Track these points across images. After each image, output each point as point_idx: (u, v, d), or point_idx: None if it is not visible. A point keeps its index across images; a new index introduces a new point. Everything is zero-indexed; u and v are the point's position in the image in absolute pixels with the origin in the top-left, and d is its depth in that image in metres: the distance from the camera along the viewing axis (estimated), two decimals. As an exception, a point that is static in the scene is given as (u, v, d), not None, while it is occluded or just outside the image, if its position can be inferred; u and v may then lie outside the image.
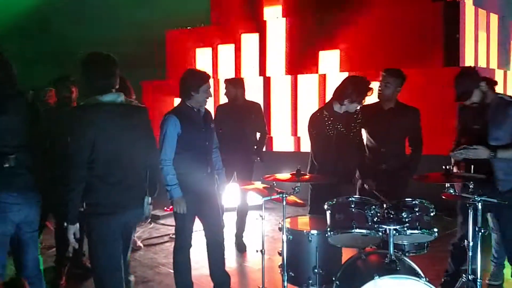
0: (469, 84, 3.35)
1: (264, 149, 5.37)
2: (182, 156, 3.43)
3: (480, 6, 7.21)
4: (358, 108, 3.79)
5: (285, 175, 3.26)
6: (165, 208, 6.20)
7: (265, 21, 8.07)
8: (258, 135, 5.19)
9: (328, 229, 2.99)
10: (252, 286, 4.09)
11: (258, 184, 3.42)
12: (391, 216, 2.88)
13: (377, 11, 7.10)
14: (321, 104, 4.52)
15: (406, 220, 2.83)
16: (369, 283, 2.61)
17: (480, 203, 2.89)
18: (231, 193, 5.50)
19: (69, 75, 4.22)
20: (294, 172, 3.14)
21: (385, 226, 2.82)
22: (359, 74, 4.23)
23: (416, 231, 2.87)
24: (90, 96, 2.79)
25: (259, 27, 7.97)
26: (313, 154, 3.83)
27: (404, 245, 3.06)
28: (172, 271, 3.78)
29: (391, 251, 2.78)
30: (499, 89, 4.29)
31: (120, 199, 2.80)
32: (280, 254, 3.34)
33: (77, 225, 2.76)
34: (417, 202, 2.93)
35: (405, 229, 2.83)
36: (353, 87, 3.63)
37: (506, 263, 4.05)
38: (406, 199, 2.96)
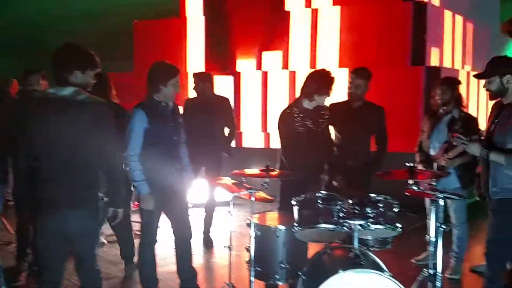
0: (496, 68, 3.10)
1: (233, 145, 5.37)
2: (149, 152, 3.35)
3: (447, 7, 7.40)
4: (327, 105, 3.85)
5: (254, 171, 3.26)
6: (131, 204, 6.10)
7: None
8: (227, 130, 5.18)
9: (295, 224, 3.01)
10: (219, 281, 4.08)
11: (227, 180, 3.40)
12: (356, 211, 2.93)
13: (348, 9, 7.18)
14: (291, 101, 4.55)
15: (371, 215, 2.88)
16: (334, 277, 2.65)
17: (442, 200, 2.98)
18: (199, 189, 5.47)
19: (40, 69, 4.24)
20: (264, 168, 3.14)
21: (350, 221, 2.87)
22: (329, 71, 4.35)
23: (380, 227, 2.92)
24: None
25: (226, 22, 7.93)
26: (282, 151, 3.85)
27: (369, 240, 3.11)
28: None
29: (356, 246, 2.83)
30: (462, 89, 4.43)
31: (54, 197, 2.65)
32: (248, 249, 3.35)
33: None
34: (381, 198, 2.99)
35: (370, 224, 2.89)
36: (318, 81, 3.70)
37: (465, 258, 4.21)
38: (371, 195, 3.01)
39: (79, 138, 2.64)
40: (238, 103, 7.52)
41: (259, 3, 7.82)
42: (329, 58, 7.19)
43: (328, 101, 3.88)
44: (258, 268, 3.17)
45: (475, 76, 3.31)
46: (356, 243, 2.83)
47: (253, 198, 2.98)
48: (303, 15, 7.43)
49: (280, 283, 3.25)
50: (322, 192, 3.01)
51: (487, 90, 3.15)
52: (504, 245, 3.06)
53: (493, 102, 3.26)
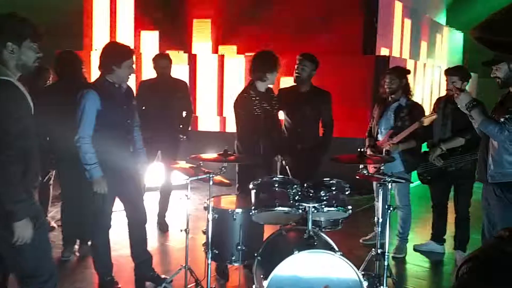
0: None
1: (189, 128, 5.35)
2: (101, 134, 3.26)
3: (397, -1, 7.67)
4: (274, 90, 3.99)
5: (212, 155, 3.29)
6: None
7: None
8: (184, 113, 5.15)
9: (253, 207, 3.09)
10: (174, 265, 4.11)
11: (185, 164, 3.41)
12: (311, 194, 3.05)
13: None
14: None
15: (324, 198, 3.01)
16: (289, 257, 2.76)
17: (390, 183, 3.16)
18: (154, 172, 5.43)
19: None
20: (221, 153, 3.18)
21: (304, 204, 2.98)
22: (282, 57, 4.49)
23: (332, 209, 3.06)
24: None
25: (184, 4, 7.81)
26: (240, 134, 3.91)
27: (321, 221, 3.25)
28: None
29: (310, 227, 2.95)
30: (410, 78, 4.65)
31: None
32: (204, 232, 3.40)
33: None
34: (334, 181, 3.12)
35: (323, 206, 3.02)
36: (266, 60, 3.83)
37: (409, 237, 4.48)
38: (324, 179, 3.14)
39: None
40: (194, 85, 7.46)
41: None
42: (283, 43, 7.27)
43: (275, 87, 4.02)
44: (215, 251, 3.23)
45: (483, 63, 3.20)
46: (310, 225, 2.95)
47: (211, 182, 3.02)
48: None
49: (236, 264, 3.34)
50: (279, 176, 3.09)
51: (495, 78, 3.10)
52: None
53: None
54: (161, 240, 4.84)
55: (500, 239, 0.98)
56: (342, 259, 2.80)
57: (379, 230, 3.39)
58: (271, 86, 3.99)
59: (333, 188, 3.08)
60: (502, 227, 3.01)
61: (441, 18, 10.25)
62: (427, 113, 4.38)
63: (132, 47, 3.60)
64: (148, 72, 5.12)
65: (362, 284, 2.81)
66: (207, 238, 3.22)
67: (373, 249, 3.44)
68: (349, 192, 3.17)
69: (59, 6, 9.07)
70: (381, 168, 3.38)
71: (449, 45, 10.23)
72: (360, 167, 3.34)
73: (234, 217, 3.24)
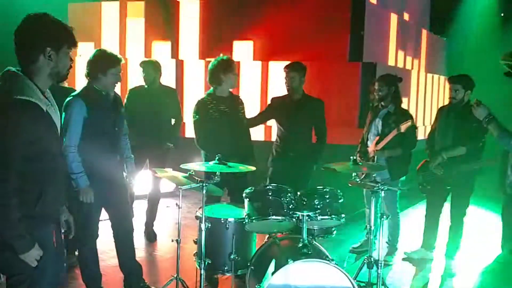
0: None
1: (177, 135, 5.29)
2: (88, 142, 3.21)
3: (383, 6, 7.76)
4: (241, 97, 4.07)
5: (205, 165, 3.24)
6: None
7: (178, 1, 7.86)
8: (172, 121, 5.09)
9: (246, 216, 3.05)
10: (163, 275, 4.04)
11: (176, 173, 3.36)
12: (304, 203, 3.03)
13: (289, 5, 7.29)
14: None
15: (318, 206, 3.00)
16: (284, 267, 2.73)
17: (383, 191, 3.16)
18: (142, 181, 5.34)
19: None
20: (217, 162, 3.14)
21: (299, 213, 2.95)
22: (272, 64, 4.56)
23: (326, 217, 3.05)
24: None
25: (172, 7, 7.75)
26: (197, 140, 3.95)
27: (314, 229, 3.23)
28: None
29: (304, 236, 2.92)
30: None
31: None
32: (196, 242, 3.35)
33: None
34: (327, 189, 3.11)
35: (317, 215, 3.00)
36: (220, 66, 3.88)
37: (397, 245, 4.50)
38: (318, 187, 3.12)
39: None
40: (181, 91, 7.40)
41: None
42: (270, 51, 7.30)
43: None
44: (208, 261, 3.18)
45: (506, 74, 3.29)
46: (304, 234, 2.92)
47: (204, 191, 2.98)
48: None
49: (228, 274, 3.29)
50: (272, 184, 3.06)
51: None
52: None
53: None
54: (149, 249, 4.76)
55: None
56: (337, 268, 2.79)
57: (371, 238, 3.38)
58: (230, 89, 4.01)
59: (327, 196, 3.07)
60: None
61: (426, 25, 10.41)
62: (418, 119, 4.42)
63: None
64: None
65: (356, 293, 2.80)
66: (199, 247, 3.17)
67: (365, 257, 3.43)
68: (342, 200, 3.16)
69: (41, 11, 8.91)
70: (374, 176, 3.38)
71: (433, 51, 10.39)
72: (353, 175, 3.33)
73: (227, 226, 3.19)
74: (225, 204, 3.82)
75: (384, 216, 3.16)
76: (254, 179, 4.32)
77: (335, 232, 3.34)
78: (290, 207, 3.01)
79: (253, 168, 3.30)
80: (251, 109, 5.07)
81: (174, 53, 7.72)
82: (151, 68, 4.80)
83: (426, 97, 9.68)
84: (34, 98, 2.01)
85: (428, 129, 4.76)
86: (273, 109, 4.25)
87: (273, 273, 2.73)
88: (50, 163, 2.11)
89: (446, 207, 4.37)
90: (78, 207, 3.25)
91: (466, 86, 4.07)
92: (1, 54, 3.23)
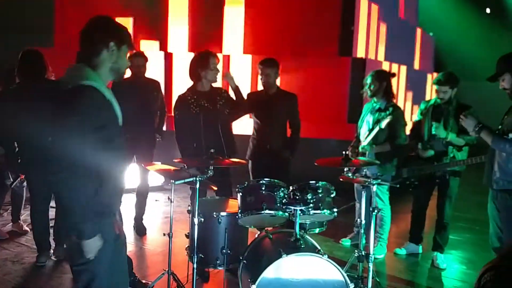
0: (504, 65, 3.16)
1: (164, 128, 5.25)
2: None
3: (374, 1, 7.77)
4: (224, 89, 4.10)
5: (197, 159, 3.23)
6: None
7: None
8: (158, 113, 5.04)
9: (240, 210, 3.06)
10: (153, 268, 4.03)
11: (168, 166, 3.34)
12: (297, 197, 3.05)
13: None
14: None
15: (311, 201, 3.01)
16: (277, 261, 2.74)
17: (374, 186, 3.19)
18: (130, 174, 5.30)
19: None
20: (209, 156, 3.13)
21: (292, 207, 2.97)
22: (261, 57, 4.60)
23: (319, 211, 3.07)
24: None
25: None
26: (176, 135, 3.99)
27: (306, 223, 3.25)
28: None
29: (297, 230, 2.94)
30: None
31: None
32: (187, 236, 3.34)
33: None
34: (320, 184, 3.13)
35: (310, 209, 3.02)
36: (198, 59, 3.95)
37: (385, 239, 4.55)
38: (310, 182, 3.14)
39: None
40: (169, 84, 7.34)
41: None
42: (261, 45, 7.27)
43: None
44: (200, 255, 3.18)
45: (488, 79, 3.25)
46: (297, 228, 2.94)
47: (197, 185, 2.97)
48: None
49: (220, 268, 3.30)
50: (265, 179, 3.07)
51: (504, 89, 3.16)
52: None
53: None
54: (138, 244, 4.73)
55: None
56: (329, 262, 2.82)
57: (362, 232, 3.42)
58: (213, 84, 4.04)
59: (319, 191, 3.09)
60: (507, 232, 3.11)
61: (414, 20, 10.48)
62: (406, 115, 4.46)
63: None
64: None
65: (348, 286, 2.83)
66: (191, 241, 3.16)
67: (356, 251, 3.47)
68: (334, 194, 3.19)
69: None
70: (365, 170, 3.41)
71: (421, 47, 10.48)
72: (345, 169, 3.36)
73: (220, 220, 3.20)
74: (216, 198, 3.83)
75: (376, 210, 3.20)
76: (235, 173, 4.38)
77: (326, 225, 3.37)
78: (284, 201, 3.02)
79: (244, 162, 3.31)
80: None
81: (163, 46, 7.65)
82: (137, 59, 4.72)
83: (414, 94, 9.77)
84: (98, 85, 2.10)
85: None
86: (250, 104, 4.41)
87: (266, 267, 2.74)
88: (114, 151, 2.14)
89: (433, 201, 4.43)
90: None
91: (453, 85, 4.13)
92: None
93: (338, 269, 2.82)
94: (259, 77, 4.46)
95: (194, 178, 2.92)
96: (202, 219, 3.10)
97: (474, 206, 6.13)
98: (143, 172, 4.93)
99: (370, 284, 3.15)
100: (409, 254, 4.56)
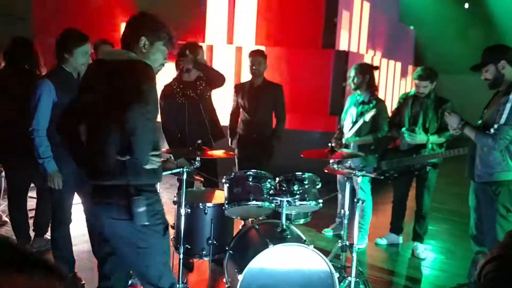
0: (489, 56, 3.19)
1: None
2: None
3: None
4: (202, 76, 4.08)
5: (184, 150, 3.23)
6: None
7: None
8: None
9: (226, 201, 3.07)
10: (138, 258, 4.00)
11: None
12: (284, 188, 3.07)
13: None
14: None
15: (297, 192, 3.04)
16: (264, 251, 2.77)
17: (359, 177, 3.24)
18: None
19: None
20: (195, 147, 3.12)
21: (279, 198, 3.00)
22: (244, 48, 4.65)
23: (305, 202, 3.11)
24: None
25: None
26: (162, 125, 4.02)
27: (292, 214, 3.30)
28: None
29: (284, 221, 2.97)
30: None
31: None
32: (173, 227, 3.33)
33: None
34: (306, 175, 3.16)
35: (296, 200, 3.05)
36: (184, 51, 4.01)
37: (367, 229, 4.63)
38: (297, 173, 3.17)
39: None
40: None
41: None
42: (247, 36, 7.25)
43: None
44: (187, 245, 3.18)
45: (471, 68, 3.27)
46: (283, 219, 2.97)
47: (184, 176, 2.96)
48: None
49: (206, 258, 3.31)
50: (252, 170, 3.08)
51: (485, 80, 3.20)
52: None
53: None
54: (122, 234, 4.69)
55: None
56: (315, 252, 2.86)
57: (346, 222, 3.47)
58: (200, 74, 4.05)
59: (305, 182, 3.12)
60: (487, 223, 3.19)
61: (395, 14, 10.59)
62: (388, 108, 4.53)
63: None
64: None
65: (333, 276, 2.88)
66: (178, 232, 3.16)
67: (339, 241, 3.53)
68: (320, 185, 3.22)
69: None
70: (349, 162, 3.46)
71: (402, 40, 10.61)
72: (331, 161, 3.40)
73: (206, 211, 3.20)
74: (202, 189, 3.83)
75: (360, 202, 3.25)
76: (222, 161, 4.38)
77: (311, 216, 3.42)
78: (270, 192, 3.04)
79: (232, 154, 3.32)
80: (224, 93, 5.07)
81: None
82: (104, 47, 4.61)
83: (395, 86, 9.90)
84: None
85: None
86: (237, 95, 4.57)
87: (252, 257, 2.77)
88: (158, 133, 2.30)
89: (412, 192, 4.53)
90: (50, 191, 3.18)
91: (433, 80, 4.21)
92: None
93: (324, 259, 2.87)
94: (250, 66, 4.55)
95: (181, 169, 2.91)
96: (189, 210, 3.09)
97: (453, 197, 6.29)
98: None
99: (353, 273, 3.21)
100: (389, 244, 4.66)
